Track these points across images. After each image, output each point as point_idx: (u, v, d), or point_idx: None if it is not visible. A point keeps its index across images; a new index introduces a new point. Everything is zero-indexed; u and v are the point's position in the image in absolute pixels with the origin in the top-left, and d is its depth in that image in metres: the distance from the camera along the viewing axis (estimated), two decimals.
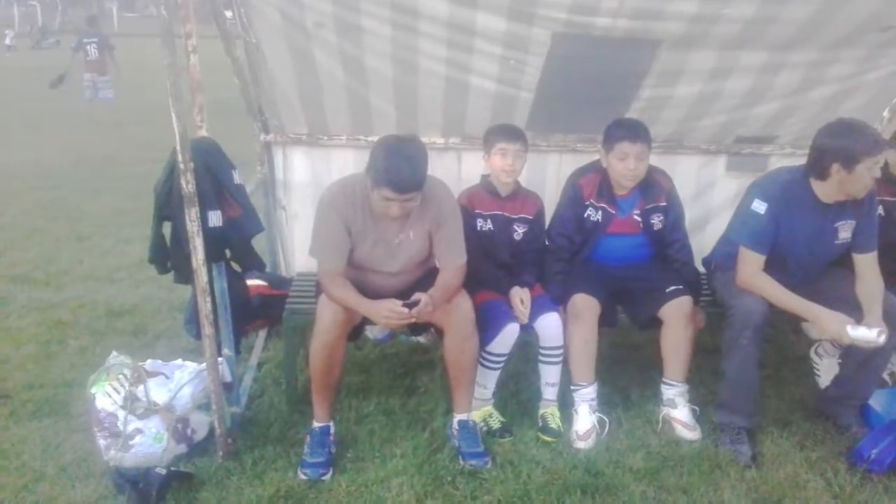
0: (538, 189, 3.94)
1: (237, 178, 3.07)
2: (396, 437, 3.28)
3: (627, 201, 3.51)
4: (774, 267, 3.27)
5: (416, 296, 2.94)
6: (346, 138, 4.16)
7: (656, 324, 3.45)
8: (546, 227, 3.64)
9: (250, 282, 3.88)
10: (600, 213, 3.49)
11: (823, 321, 3.13)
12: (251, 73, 3.78)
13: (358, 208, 3.02)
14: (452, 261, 3.14)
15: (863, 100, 4.07)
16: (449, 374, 3.23)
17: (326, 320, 3.00)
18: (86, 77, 12.79)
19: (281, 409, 3.46)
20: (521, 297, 3.36)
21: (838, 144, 3.06)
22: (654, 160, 4.20)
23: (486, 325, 3.26)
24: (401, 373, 3.84)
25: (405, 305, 2.89)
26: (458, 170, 4.25)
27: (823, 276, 3.40)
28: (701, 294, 3.60)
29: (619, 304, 3.61)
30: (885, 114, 4.29)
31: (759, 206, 3.24)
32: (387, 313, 2.90)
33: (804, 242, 3.28)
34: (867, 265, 3.31)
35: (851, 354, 3.36)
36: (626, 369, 3.91)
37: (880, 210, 3.62)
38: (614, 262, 3.59)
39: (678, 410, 3.40)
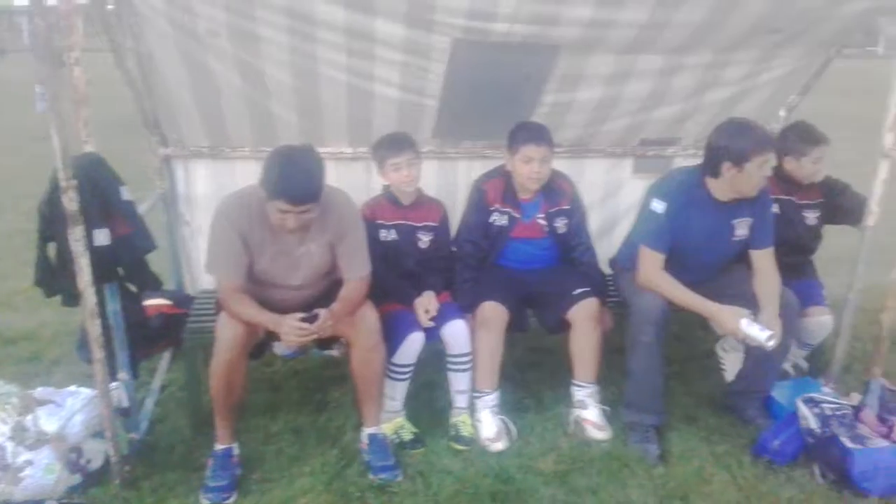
0: (449, 196, 3.94)
1: (125, 194, 2.94)
2: (305, 454, 3.20)
3: (531, 205, 3.53)
4: (675, 265, 3.33)
5: (317, 310, 2.88)
6: (249, 149, 4.05)
7: (565, 327, 3.47)
8: (454, 233, 3.62)
9: (152, 301, 3.72)
10: (506, 217, 3.50)
11: (718, 317, 3.20)
12: (144, 85, 3.64)
13: (255, 221, 2.94)
14: (355, 272, 3.09)
15: (758, 100, 4.20)
16: (356, 387, 3.17)
17: (226, 338, 2.90)
18: None
19: (184, 433, 3.34)
20: (425, 305, 3.32)
21: (728, 144, 3.14)
22: (563, 165, 4.29)
23: (391, 335, 3.22)
24: (311, 388, 3.77)
25: (304, 320, 2.82)
26: (367, 180, 4.18)
27: (722, 273, 3.49)
28: (608, 295, 3.64)
29: (529, 308, 3.62)
30: (782, 113, 4.43)
31: (658, 206, 3.29)
32: (287, 329, 2.82)
33: (702, 240, 3.35)
34: (764, 261, 3.40)
35: (752, 349, 3.45)
36: (540, 372, 3.93)
37: (776, 208, 3.74)
38: (522, 266, 3.60)
39: (588, 411, 3.42)
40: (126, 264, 2.99)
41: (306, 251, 3.03)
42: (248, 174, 4.04)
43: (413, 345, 3.23)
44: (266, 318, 2.88)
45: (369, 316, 3.06)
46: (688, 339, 4.41)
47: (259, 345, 3.09)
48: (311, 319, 2.83)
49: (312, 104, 3.75)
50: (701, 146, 4.35)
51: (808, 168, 3.69)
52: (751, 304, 3.27)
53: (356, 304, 3.05)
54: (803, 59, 3.90)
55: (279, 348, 3.70)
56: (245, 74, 3.52)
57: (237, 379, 2.96)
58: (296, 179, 2.74)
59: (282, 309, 2.98)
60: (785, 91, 4.23)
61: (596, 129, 4.21)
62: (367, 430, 3.18)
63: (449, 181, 4.26)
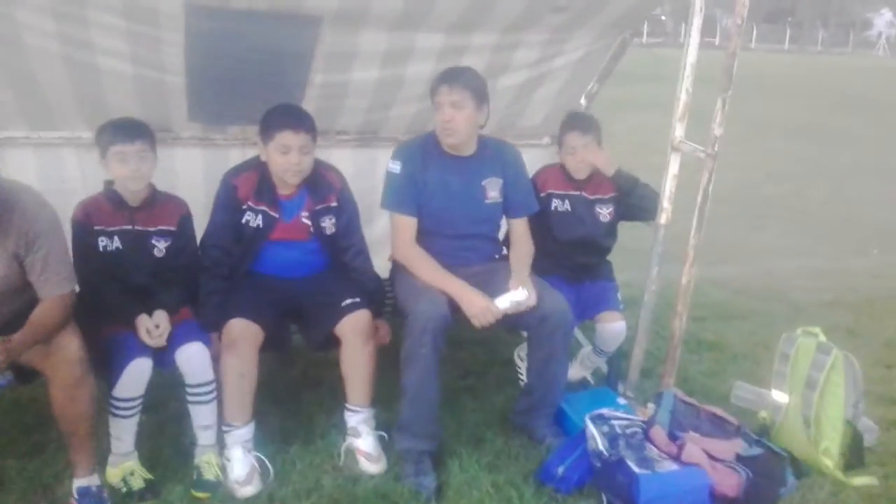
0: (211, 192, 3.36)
1: None
2: None
3: (293, 202, 3.03)
4: (433, 239, 3.14)
5: None
6: None
7: (334, 343, 3.00)
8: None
9: None
10: (260, 217, 2.98)
11: (469, 300, 2.94)
12: None
13: None
14: (50, 290, 2.48)
15: (556, 86, 3.91)
16: (61, 430, 2.57)
17: None
18: None
19: None
20: (148, 323, 2.75)
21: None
22: (351, 154, 3.83)
23: (111, 364, 2.64)
24: (30, 425, 3.08)
25: None
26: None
27: (487, 269, 3.18)
28: (383, 304, 3.20)
29: (295, 322, 3.12)
30: (583, 101, 4.17)
31: (394, 166, 3.10)
32: None
33: (452, 202, 3.13)
34: (517, 228, 3.29)
35: (531, 360, 3.15)
36: (319, 394, 3.43)
37: (567, 206, 3.46)
38: (284, 273, 3.10)
39: (362, 439, 2.98)
40: None
41: None
42: None
43: (136, 374, 2.65)
44: None
45: (70, 344, 2.47)
46: (491, 344, 4.05)
47: None
48: None
49: (26, 80, 3.04)
50: (503, 134, 4.10)
51: (568, 158, 3.43)
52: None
53: (49, 329, 2.44)
54: (596, 42, 3.62)
55: None
56: None
57: None
58: None
59: None
60: (583, 77, 3.95)
61: (383, 115, 3.76)
62: (77, 483, 2.60)
63: (217, 173, 3.65)
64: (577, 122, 3.48)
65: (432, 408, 2.94)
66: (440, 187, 3.09)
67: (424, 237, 3.11)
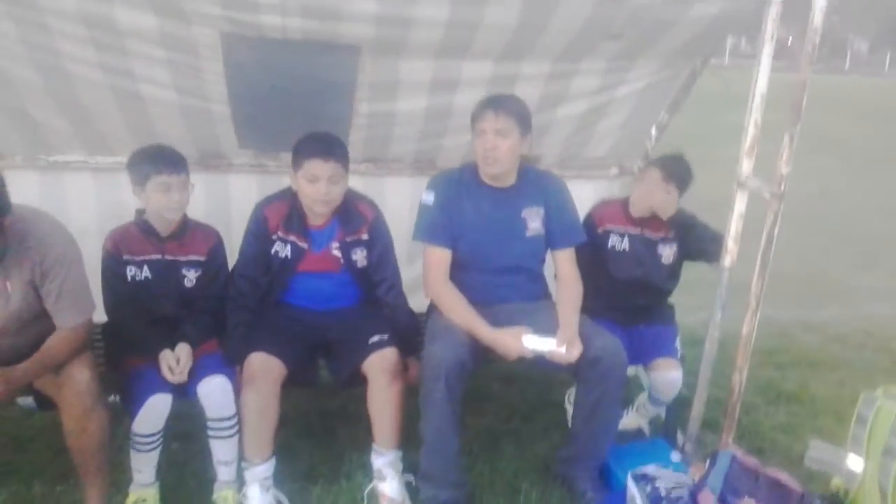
0: None
1: None
2: None
3: (323, 233, 2.95)
4: (469, 275, 2.98)
5: None
6: (20, 158, 3.40)
7: (361, 380, 2.88)
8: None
9: None
10: (289, 247, 2.91)
11: (499, 342, 2.76)
12: None
13: None
14: (64, 320, 2.47)
15: (621, 116, 3.68)
16: (74, 461, 2.55)
17: None
18: None
19: None
20: (170, 359, 2.71)
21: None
22: (410, 183, 3.74)
23: (131, 398, 2.62)
24: (60, 449, 3.09)
25: None
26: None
27: (527, 309, 2.98)
28: (418, 342, 3.06)
29: (323, 356, 3.03)
30: (653, 132, 3.91)
31: (427, 198, 2.96)
32: None
33: (489, 234, 2.97)
34: (562, 265, 3.08)
35: (578, 406, 2.92)
36: (353, 430, 3.31)
37: (625, 244, 3.23)
38: (314, 305, 3.02)
39: (387, 483, 2.84)
40: None
41: (1, 291, 2.41)
42: (22, 187, 3.42)
43: (155, 410, 2.62)
44: None
45: (78, 375, 2.45)
46: (543, 382, 3.83)
47: None
48: None
49: (78, 108, 3.12)
50: (565, 165, 3.92)
51: (637, 194, 3.20)
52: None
53: (58, 360, 2.44)
54: (662, 71, 3.37)
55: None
56: None
57: None
58: None
59: None
60: (651, 107, 3.70)
61: (435, 144, 3.65)
62: None
63: None
64: (667, 166, 3.19)
65: (453, 456, 2.77)
66: (476, 218, 2.95)
67: (460, 271, 2.96)
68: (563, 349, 2.70)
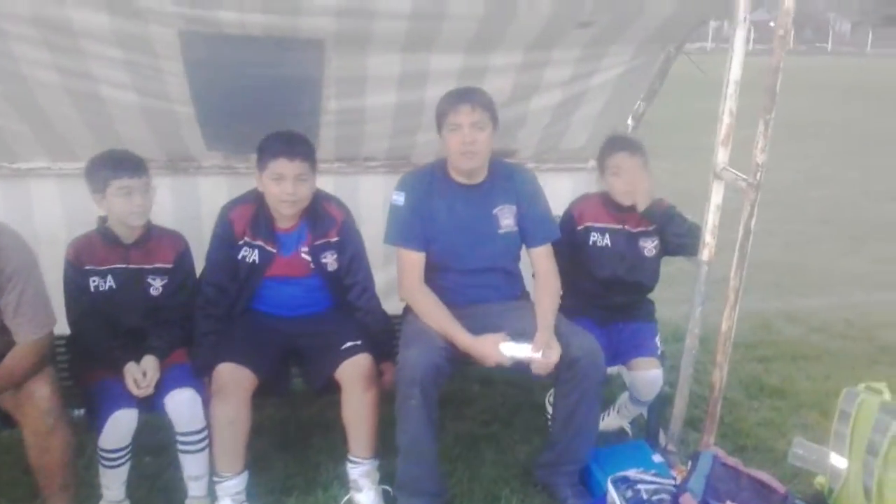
0: None
1: None
2: None
3: (291, 237, 2.86)
4: (444, 278, 2.91)
5: None
6: None
7: (336, 387, 2.79)
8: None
9: None
10: (257, 252, 2.82)
11: (476, 349, 2.68)
12: None
13: None
14: (23, 334, 2.37)
15: (597, 106, 3.61)
16: (37, 480, 2.46)
17: None
18: None
19: None
20: (136, 372, 2.62)
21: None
22: (383, 181, 3.65)
23: (97, 412, 2.53)
24: (28, 467, 3.00)
25: None
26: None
27: (505, 311, 2.90)
28: (393, 346, 2.98)
29: (296, 364, 2.94)
30: (630, 122, 3.84)
31: (398, 198, 2.88)
32: None
33: (462, 235, 2.89)
34: (539, 261, 2.98)
35: (557, 409, 2.85)
36: (328, 439, 3.20)
37: (606, 240, 3.15)
38: (285, 312, 2.93)
39: (363, 494, 2.77)
40: None
41: None
42: None
43: (120, 425, 2.52)
44: None
45: (39, 391, 2.36)
46: (524, 384, 3.75)
47: None
48: None
49: (36, 113, 3.01)
50: (542, 159, 3.84)
51: (615, 181, 3.12)
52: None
53: (17, 376, 2.34)
54: (636, 58, 3.30)
55: None
56: None
57: None
58: None
59: None
60: (627, 96, 3.63)
61: (409, 141, 3.55)
62: None
63: None
64: (624, 142, 3.18)
65: (430, 465, 2.69)
66: (448, 218, 2.86)
67: (434, 273, 2.88)
68: (539, 355, 2.62)
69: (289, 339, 2.88)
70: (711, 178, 2.83)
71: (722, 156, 2.80)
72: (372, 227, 3.14)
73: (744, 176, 2.68)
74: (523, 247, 3.03)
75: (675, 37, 3.23)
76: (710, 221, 2.86)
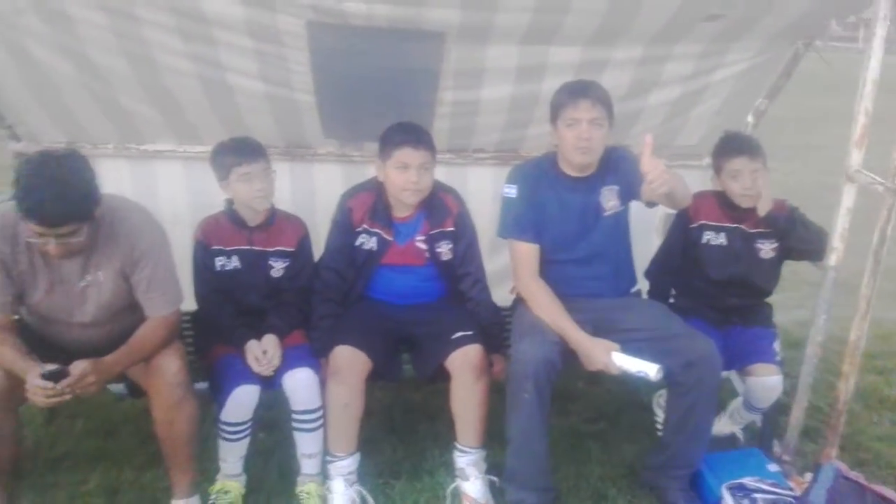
0: None
1: None
2: None
3: (409, 225, 2.90)
4: (549, 267, 2.87)
5: (78, 362, 2.26)
6: (113, 147, 3.47)
7: (445, 376, 2.82)
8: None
9: None
10: (374, 239, 2.87)
11: (587, 348, 2.62)
12: None
13: (20, 245, 2.36)
14: (154, 309, 2.49)
15: (717, 102, 3.50)
16: (161, 450, 2.58)
17: None
18: None
19: None
20: (257, 350, 2.71)
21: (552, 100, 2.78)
22: (491, 173, 3.66)
23: (218, 388, 2.63)
24: (149, 436, 3.15)
25: (50, 376, 2.21)
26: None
27: (614, 308, 2.85)
28: (503, 338, 2.98)
29: (409, 351, 2.99)
30: (749, 119, 3.71)
31: (510, 191, 2.84)
32: (29, 388, 2.22)
33: (569, 225, 2.85)
34: None
35: (670, 412, 2.79)
36: (435, 425, 3.25)
37: (722, 239, 3.06)
38: (398, 300, 2.97)
39: (470, 483, 2.78)
40: None
41: (93, 281, 2.44)
42: (115, 174, 3.51)
43: (242, 400, 2.62)
44: (19, 367, 2.29)
45: (168, 365, 2.46)
46: (628, 383, 3.67)
47: None
48: (59, 376, 2.22)
49: (167, 98, 3.15)
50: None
51: (729, 186, 3.01)
52: (648, 343, 2.68)
53: (148, 350, 2.45)
54: (762, 54, 3.18)
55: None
56: (77, 61, 2.93)
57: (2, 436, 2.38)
58: (43, 194, 2.14)
59: (74, 350, 2.42)
60: (748, 93, 3.51)
61: (520, 133, 3.54)
62: (175, 503, 2.58)
63: None
64: (743, 145, 3.04)
65: (539, 460, 2.68)
66: (559, 211, 2.83)
67: (543, 266, 2.86)
68: (653, 375, 2.55)
69: (401, 326, 2.92)
70: (843, 181, 2.71)
71: (856, 157, 2.67)
72: (480, 219, 3.14)
73: (881, 179, 2.55)
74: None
75: (806, 32, 3.10)
76: (840, 225, 2.74)
